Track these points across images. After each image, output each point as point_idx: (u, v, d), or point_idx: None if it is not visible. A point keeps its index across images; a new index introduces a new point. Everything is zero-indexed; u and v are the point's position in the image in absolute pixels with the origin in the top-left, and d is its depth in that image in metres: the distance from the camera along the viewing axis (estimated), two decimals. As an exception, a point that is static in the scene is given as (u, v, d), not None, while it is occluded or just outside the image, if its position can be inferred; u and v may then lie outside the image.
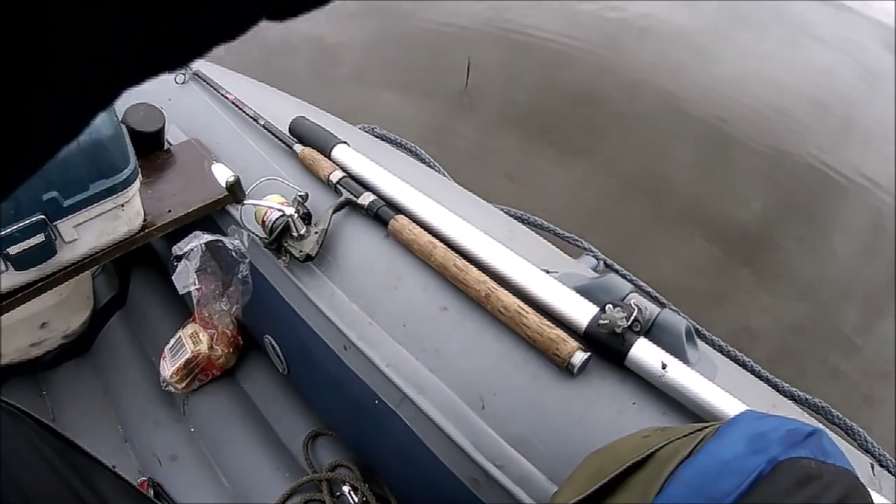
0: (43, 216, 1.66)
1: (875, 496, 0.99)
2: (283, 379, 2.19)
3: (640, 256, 3.84)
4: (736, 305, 3.74)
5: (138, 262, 2.61)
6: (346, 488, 1.87)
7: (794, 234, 4.29)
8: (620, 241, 3.91)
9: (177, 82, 2.35)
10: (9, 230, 1.65)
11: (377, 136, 2.17)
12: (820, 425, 1.28)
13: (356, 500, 1.84)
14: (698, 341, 1.40)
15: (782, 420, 0.90)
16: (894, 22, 6.96)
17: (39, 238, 1.69)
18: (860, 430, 1.43)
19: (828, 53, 6.61)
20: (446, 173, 2.07)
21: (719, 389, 1.18)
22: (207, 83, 2.30)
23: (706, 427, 0.93)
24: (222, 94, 2.21)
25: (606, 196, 4.35)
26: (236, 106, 2.15)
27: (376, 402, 1.56)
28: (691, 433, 0.92)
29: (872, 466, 1.26)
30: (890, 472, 1.31)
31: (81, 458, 1.12)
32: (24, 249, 1.69)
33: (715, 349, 1.56)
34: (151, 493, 1.98)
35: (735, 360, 1.57)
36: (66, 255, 1.79)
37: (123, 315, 2.57)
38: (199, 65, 2.40)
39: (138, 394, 2.33)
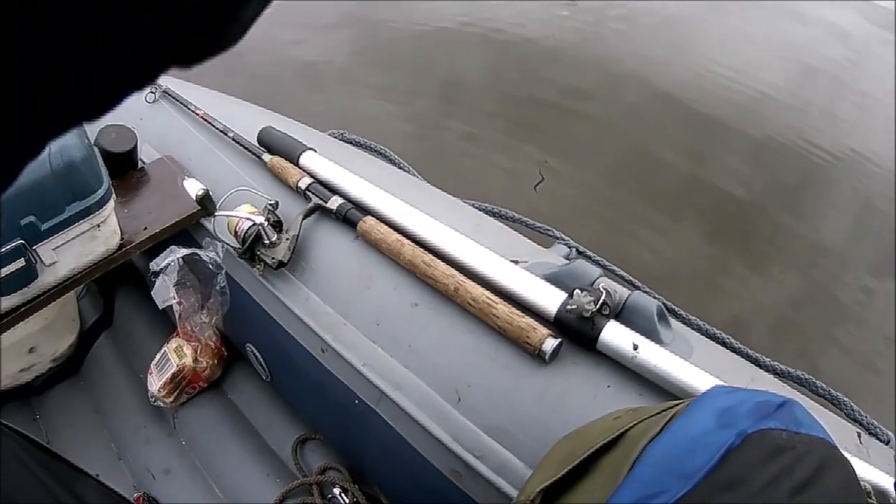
0: (22, 241, 1.68)
1: (859, 463, 1.00)
2: (267, 386, 2.20)
3: (635, 243, 3.86)
4: (734, 286, 3.75)
5: (122, 281, 2.62)
6: (336, 490, 1.88)
7: (786, 211, 4.30)
8: (611, 232, 3.94)
9: (147, 101, 2.37)
10: None
11: (346, 141, 2.19)
12: (802, 396, 1.29)
13: (347, 501, 1.86)
14: (674, 321, 1.41)
15: (752, 393, 0.90)
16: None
17: (20, 263, 1.70)
18: (845, 399, 1.43)
19: (811, 31, 6.62)
20: (416, 172, 2.08)
21: (693, 367, 1.19)
22: (177, 100, 2.31)
23: (676, 404, 0.93)
24: (192, 111, 2.23)
25: (595, 187, 4.36)
26: (206, 121, 2.16)
27: (356, 402, 1.58)
28: (662, 411, 0.92)
29: (859, 434, 1.27)
30: (879, 438, 1.33)
31: (67, 470, 1.14)
32: (6, 275, 1.71)
33: (692, 328, 1.56)
34: None
35: (713, 337, 1.58)
36: (47, 277, 1.81)
37: (110, 334, 2.59)
38: (168, 82, 2.42)
39: (129, 411, 2.34)
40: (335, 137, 2.21)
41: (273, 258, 1.69)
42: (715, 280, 3.78)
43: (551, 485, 0.93)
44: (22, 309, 1.82)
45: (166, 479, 2.14)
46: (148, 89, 2.34)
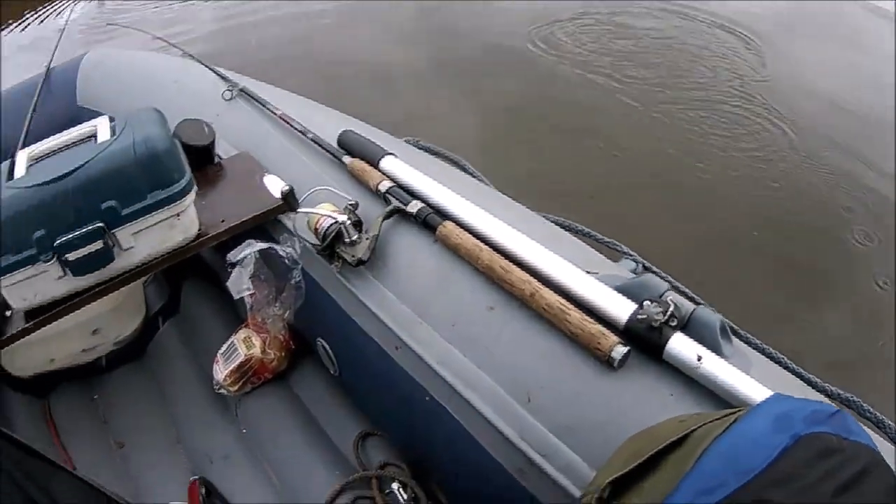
0: (101, 224, 1.79)
1: None
2: (333, 381, 2.29)
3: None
4: (794, 328, 3.72)
5: (189, 272, 2.73)
6: (395, 486, 1.95)
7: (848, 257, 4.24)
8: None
9: (224, 98, 2.47)
10: (68, 237, 1.76)
11: (421, 148, 2.28)
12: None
13: (405, 496, 1.92)
14: (733, 338, 1.49)
15: (807, 402, 1.00)
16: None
17: (98, 245, 1.81)
18: (891, 423, 1.49)
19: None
20: (489, 182, 2.16)
21: (752, 380, 1.26)
22: (254, 99, 2.42)
23: (738, 411, 1.03)
24: (270, 110, 2.33)
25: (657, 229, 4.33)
26: (284, 121, 2.26)
27: (427, 398, 1.66)
28: (724, 416, 1.02)
29: None
30: None
31: (44, 466, 1.12)
32: (83, 256, 1.81)
33: (750, 346, 1.64)
34: (203, 491, 2.06)
35: (770, 356, 1.65)
36: (123, 261, 1.91)
37: (175, 322, 2.70)
38: (245, 82, 2.53)
39: (191, 397, 2.44)
40: (410, 144, 2.30)
41: (353, 256, 1.79)
42: (775, 321, 3.76)
43: (620, 477, 1.03)
44: (94, 290, 1.93)
45: (224, 464, 2.22)
46: (225, 87, 2.45)
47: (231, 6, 7.15)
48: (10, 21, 7.99)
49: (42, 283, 1.87)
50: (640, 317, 1.36)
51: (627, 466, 1.03)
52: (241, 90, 2.47)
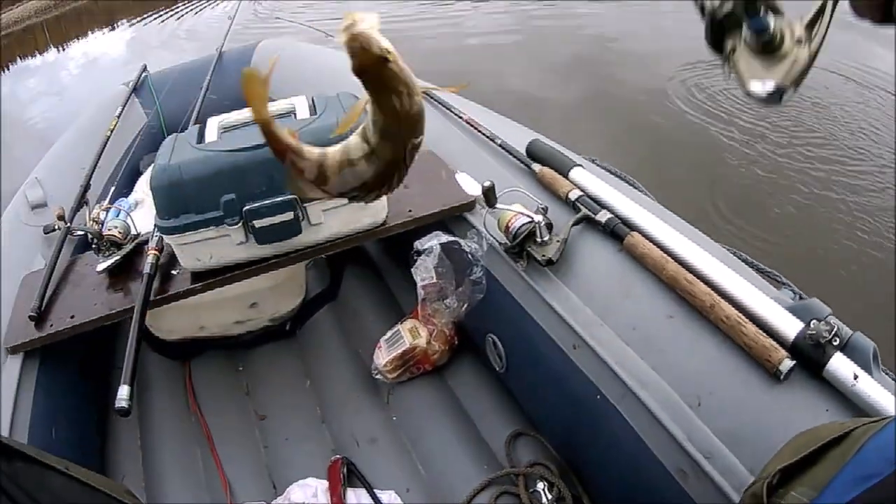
0: (295, 196, 1.99)
1: None
2: (493, 378, 2.49)
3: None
4: None
5: (350, 262, 2.99)
6: (541, 485, 2.12)
7: None
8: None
9: (408, 98, 2.73)
10: (258, 204, 1.99)
11: (599, 167, 2.47)
12: None
13: (550, 497, 2.10)
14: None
15: None
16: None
17: (288, 216, 2.03)
18: None
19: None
20: (663, 207, 2.35)
21: None
22: (439, 102, 2.69)
23: (889, 417, 1.25)
24: (455, 113, 2.59)
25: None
26: (470, 125, 2.51)
27: (598, 396, 1.85)
28: (879, 420, 1.24)
29: None
30: None
31: (37, 470, 1.11)
32: (270, 225, 2.04)
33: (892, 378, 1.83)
34: (345, 470, 2.26)
35: None
36: (307, 236, 2.13)
37: (333, 308, 2.95)
38: (424, 84, 2.78)
39: (342, 380, 2.68)
40: (588, 161, 2.49)
41: (543, 255, 2.00)
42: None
43: (788, 466, 1.26)
44: (269, 261, 2.16)
45: (370, 448, 2.43)
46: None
47: (388, 18, 7.50)
48: (162, 8, 8.46)
49: (220, 246, 2.10)
50: (810, 332, 1.56)
51: (795, 457, 1.26)
52: (424, 92, 2.71)
